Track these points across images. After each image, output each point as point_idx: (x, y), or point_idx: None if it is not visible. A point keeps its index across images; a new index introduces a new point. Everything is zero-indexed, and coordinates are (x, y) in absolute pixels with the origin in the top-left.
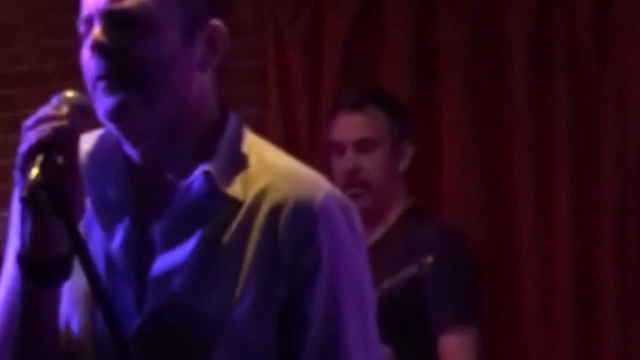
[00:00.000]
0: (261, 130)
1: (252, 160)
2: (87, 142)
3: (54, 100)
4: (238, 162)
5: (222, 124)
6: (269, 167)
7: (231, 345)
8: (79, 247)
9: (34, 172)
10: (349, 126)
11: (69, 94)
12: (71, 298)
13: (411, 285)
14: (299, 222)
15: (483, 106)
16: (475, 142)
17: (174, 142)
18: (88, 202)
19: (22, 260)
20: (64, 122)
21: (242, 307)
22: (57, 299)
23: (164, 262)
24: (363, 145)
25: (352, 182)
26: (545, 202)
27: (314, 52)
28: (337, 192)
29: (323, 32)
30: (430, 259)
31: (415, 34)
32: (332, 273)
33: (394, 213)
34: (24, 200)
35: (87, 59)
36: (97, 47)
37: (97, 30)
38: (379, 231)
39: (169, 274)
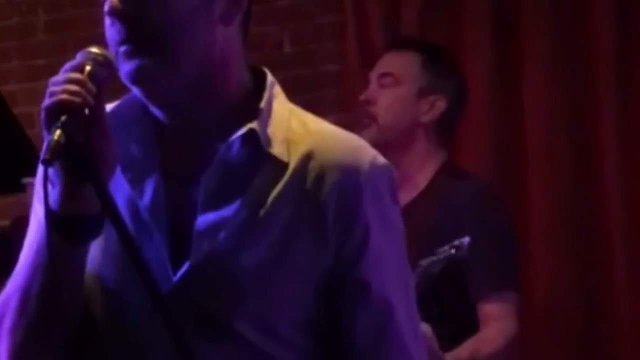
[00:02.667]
0: (341, 87)
1: (294, 124)
2: (115, 106)
3: (79, 56)
4: (280, 125)
5: (258, 85)
6: (312, 131)
7: (266, 304)
8: (108, 206)
9: (57, 133)
10: (380, 62)
11: (94, 49)
12: (101, 258)
13: (449, 265)
14: (345, 189)
15: (568, 67)
16: (560, 104)
17: (202, 103)
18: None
19: (53, 216)
20: (89, 86)
21: (285, 268)
22: (83, 258)
23: (207, 219)
24: (383, 81)
25: (363, 112)
26: (632, 161)
27: (393, 8)
28: (381, 159)
29: None
30: (467, 240)
31: None
32: (380, 244)
33: (426, 174)
34: (45, 162)
35: (108, 25)
36: (113, 13)
37: None
38: (410, 194)
39: (213, 231)
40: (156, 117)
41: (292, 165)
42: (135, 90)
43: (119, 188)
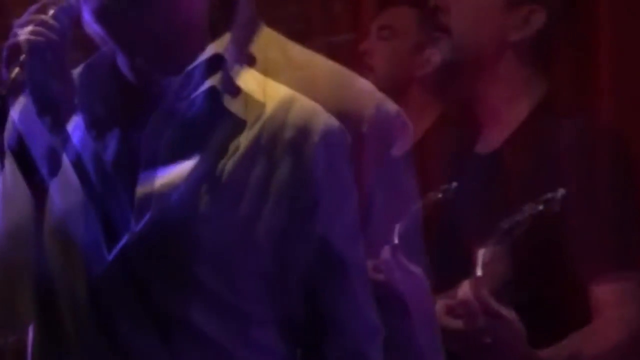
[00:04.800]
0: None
1: (269, 62)
2: (81, 67)
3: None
4: (243, 77)
5: (228, 18)
6: (276, 91)
7: (224, 254)
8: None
9: (15, 70)
10: (380, 15)
11: None
12: (62, 208)
13: (538, 228)
14: (299, 152)
15: None
16: None
17: (168, 49)
18: (79, 117)
19: (10, 150)
20: (52, 28)
21: (243, 220)
22: (43, 196)
23: (167, 171)
24: (381, 33)
25: (362, 63)
26: None
27: None
28: (334, 121)
29: None
30: (561, 192)
31: None
32: (333, 201)
33: (519, 109)
34: (2, 98)
35: None
36: None
37: None
38: (499, 136)
39: (172, 184)
40: (121, 73)
41: (250, 123)
42: (99, 29)
43: (85, 145)
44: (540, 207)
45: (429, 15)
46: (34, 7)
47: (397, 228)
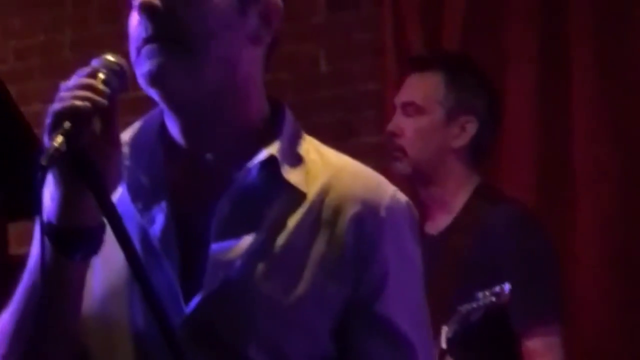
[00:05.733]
0: (381, 107)
1: (312, 156)
2: (128, 132)
3: (94, 62)
4: (298, 155)
5: (276, 115)
6: (331, 163)
7: (280, 336)
8: (110, 215)
9: (58, 139)
10: (404, 88)
11: (109, 57)
12: (104, 288)
13: (489, 313)
14: (364, 223)
15: (620, 78)
16: (611, 119)
17: (219, 122)
18: (124, 188)
19: (48, 226)
20: (101, 93)
21: (299, 301)
22: (81, 277)
23: (221, 248)
24: (408, 110)
25: (391, 145)
26: None
27: (434, 22)
28: (402, 195)
29: (444, 3)
30: (507, 286)
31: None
32: (399, 282)
33: (460, 199)
34: (41, 169)
35: (134, 24)
36: (144, 7)
37: None
38: (444, 220)
39: (227, 260)
40: (171, 139)
41: (310, 196)
42: (152, 93)
43: (130, 218)
44: (493, 299)
45: (386, 140)
46: (82, 71)
47: (445, 332)
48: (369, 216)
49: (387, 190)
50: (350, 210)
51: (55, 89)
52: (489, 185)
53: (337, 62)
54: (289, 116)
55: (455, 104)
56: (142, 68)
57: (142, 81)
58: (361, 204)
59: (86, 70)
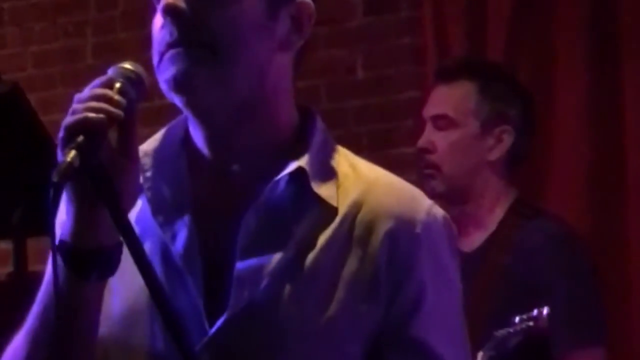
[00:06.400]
0: (420, 116)
1: (344, 168)
2: (150, 143)
3: (110, 72)
4: (328, 168)
5: (306, 124)
6: (364, 176)
7: (307, 357)
8: (126, 232)
9: (71, 154)
10: (432, 100)
11: (127, 65)
12: (123, 309)
13: (529, 339)
14: (399, 240)
15: None
16: None
17: (246, 132)
18: (144, 202)
19: (62, 244)
20: (117, 104)
21: (329, 322)
22: (97, 298)
23: (247, 265)
24: (439, 123)
25: (423, 162)
26: None
27: (478, 27)
28: (439, 209)
29: (487, 5)
30: (546, 310)
31: (592, 7)
32: (436, 301)
33: (496, 214)
34: (53, 185)
35: (158, 27)
36: (169, 10)
37: None
38: (479, 237)
39: (253, 279)
40: (195, 149)
41: (341, 211)
42: (175, 100)
43: (150, 233)
44: (530, 324)
45: (418, 156)
46: (97, 81)
47: (481, 358)
48: (404, 233)
49: (422, 205)
50: (384, 227)
51: None
52: (525, 200)
53: (375, 68)
54: (319, 126)
55: (490, 114)
56: (165, 74)
57: (164, 87)
58: (395, 220)
59: (101, 79)
